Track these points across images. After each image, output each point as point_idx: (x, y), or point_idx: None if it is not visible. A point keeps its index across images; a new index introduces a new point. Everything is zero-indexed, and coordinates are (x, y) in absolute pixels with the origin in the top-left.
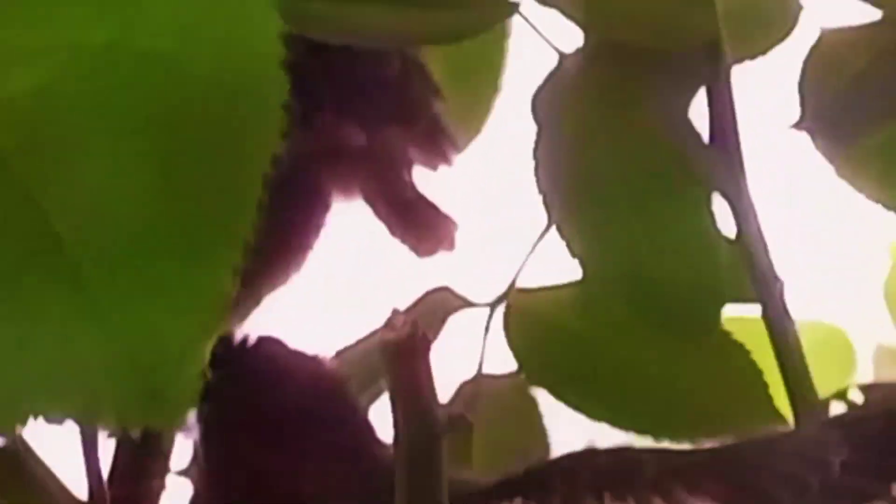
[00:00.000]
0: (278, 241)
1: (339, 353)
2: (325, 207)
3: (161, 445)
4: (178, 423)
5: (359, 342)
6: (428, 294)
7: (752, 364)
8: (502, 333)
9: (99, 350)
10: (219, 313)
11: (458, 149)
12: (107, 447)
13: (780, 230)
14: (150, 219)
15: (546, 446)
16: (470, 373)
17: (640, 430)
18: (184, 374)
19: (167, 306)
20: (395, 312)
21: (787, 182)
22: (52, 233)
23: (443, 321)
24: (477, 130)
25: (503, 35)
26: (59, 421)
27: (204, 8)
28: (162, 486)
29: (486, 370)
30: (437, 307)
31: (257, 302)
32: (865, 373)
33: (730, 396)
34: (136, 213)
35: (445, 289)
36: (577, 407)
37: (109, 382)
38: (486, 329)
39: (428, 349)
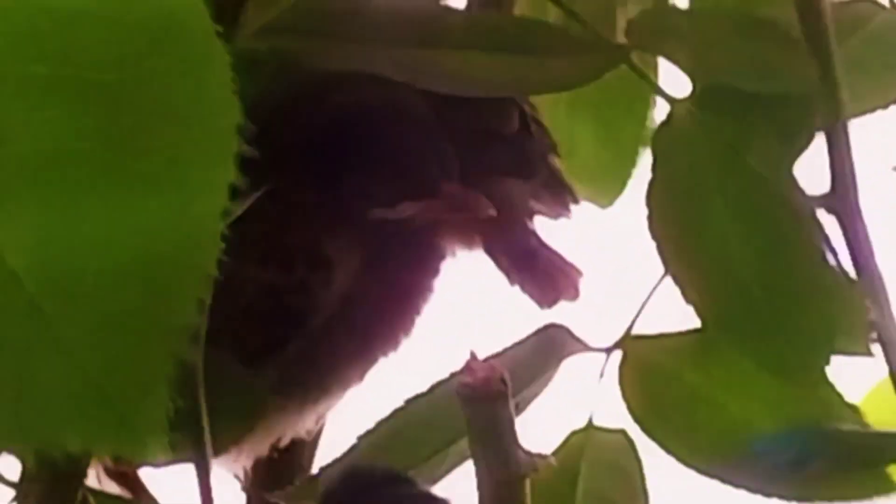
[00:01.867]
0: (391, 304)
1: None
2: (437, 271)
3: None
4: (148, 451)
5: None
6: (542, 330)
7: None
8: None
9: (64, 380)
10: (183, 342)
11: (577, 199)
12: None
13: None
14: (107, 250)
15: None
16: (580, 421)
17: (751, 488)
18: (150, 401)
19: (131, 335)
20: (473, 355)
21: None
22: (7, 269)
23: (558, 363)
24: (623, 183)
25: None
26: (26, 450)
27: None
28: None
29: (598, 419)
30: (551, 346)
31: (372, 362)
32: None
33: None
34: (93, 244)
35: (561, 327)
36: (686, 462)
37: (76, 412)
38: (601, 376)
39: (506, 392)
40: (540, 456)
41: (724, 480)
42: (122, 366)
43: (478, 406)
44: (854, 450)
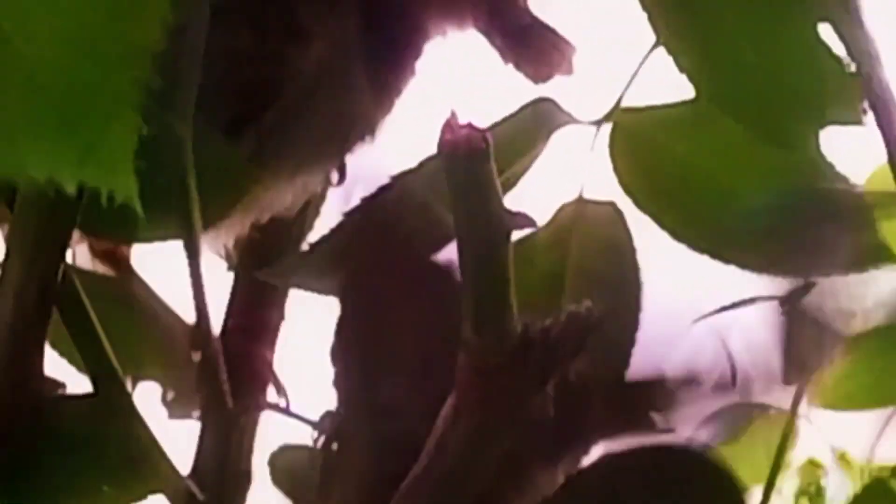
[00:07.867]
0: (369, 82)
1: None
2: (419, 52)
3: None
4: (116, 181)
5: None
6: (530, 105)
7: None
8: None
9: (27, 105)
10: (148, 68)
11: None
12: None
13: None
14: None
15: (637, 283)
16: (571, 195)
17: (740, 264)
18: (117, 127)
19: (96, 61)
20: (453, 114)
21: None
22: None
23: (546, 136)
24: None
25: None
26: None
27: None
28: (281, 318)
29: (587, 193)
30: (539, 120)
31: (350, 141)
32: None
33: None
34: None
35: (549, 100)
36: (677, 235)
37: (38, 139)
38: (591, 149)
39: (488, 149)
40: (523, 215)
41: (714, 255)
42: (86, 89)
43: (458, 162)
44: (843, 207)
